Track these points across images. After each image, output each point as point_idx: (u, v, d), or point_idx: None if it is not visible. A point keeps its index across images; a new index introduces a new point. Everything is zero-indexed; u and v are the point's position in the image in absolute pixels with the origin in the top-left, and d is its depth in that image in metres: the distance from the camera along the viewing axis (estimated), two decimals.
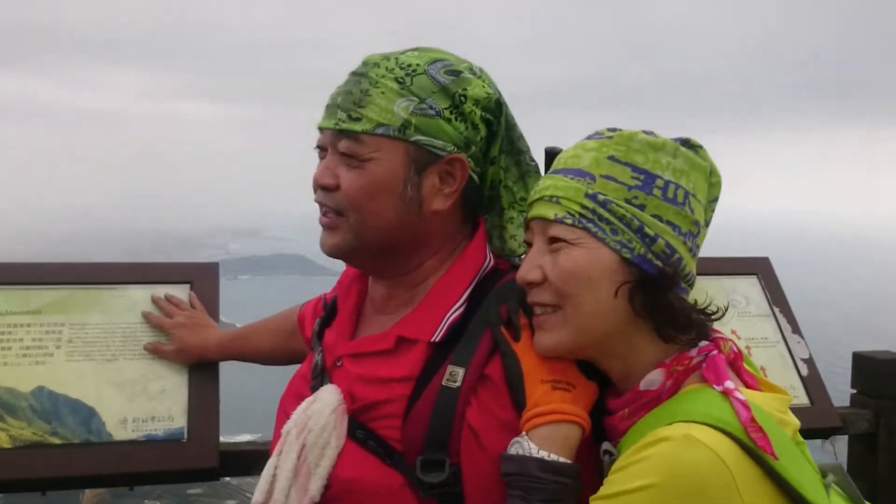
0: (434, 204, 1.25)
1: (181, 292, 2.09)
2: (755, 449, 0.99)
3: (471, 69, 1.28)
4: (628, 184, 1.12)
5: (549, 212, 1.14)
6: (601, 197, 1.11)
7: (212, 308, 2.05)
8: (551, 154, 1.34)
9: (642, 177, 1.12)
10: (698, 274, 2.44)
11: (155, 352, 1.93)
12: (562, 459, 1.09)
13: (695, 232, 1.15)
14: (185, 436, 1.89)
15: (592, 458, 1.16)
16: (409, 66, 1.23)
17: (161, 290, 2.05)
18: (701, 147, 1.18)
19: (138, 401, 1.92)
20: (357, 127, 1.22)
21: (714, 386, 1.06)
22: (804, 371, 2.31)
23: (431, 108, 1.22)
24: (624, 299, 1.11)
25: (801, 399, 2.27)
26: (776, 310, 2.41)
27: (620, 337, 1.13)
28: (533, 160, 1.35)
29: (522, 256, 1.27)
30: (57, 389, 1.87)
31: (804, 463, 1.06)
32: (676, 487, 0.96)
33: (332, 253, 1.29)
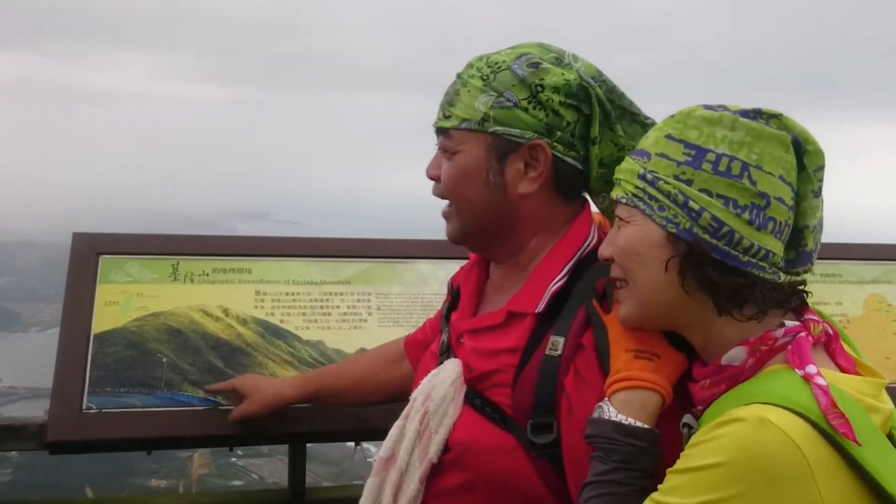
0: (520, 188, 1.33)
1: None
2: (835, 435, 0.96)
3: (558, 59, 1.35)
4: (678, 160, 1.11)
5: (615, 193, 1.19)
6: (650, 176, 1.13)
7: None
8: None
9: (693, 152, 1.10)
10: None
11: (226, 388, 1.95)
12: (637, 423, 1.11)
13: (760, 204, 1.08)
14: None
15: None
16: (496, 63, 1.34)
17: (445, 265, 2.28)
18: (777, 116, 1.12)
19: None
20: (447, 124, 1.36)
21: (796, 370, 1.04)
22: None
23: (509, 100, 1.31)
24: (674, 273, 1.11)
25: None
26: None
27: (684, 310, 1.13)
28: (648, 118, 1.41)
29: None
30: None
31: (890, 452, 1.01)
32: (746, 468, 0.95)
33: (451, 240, 1.44)
